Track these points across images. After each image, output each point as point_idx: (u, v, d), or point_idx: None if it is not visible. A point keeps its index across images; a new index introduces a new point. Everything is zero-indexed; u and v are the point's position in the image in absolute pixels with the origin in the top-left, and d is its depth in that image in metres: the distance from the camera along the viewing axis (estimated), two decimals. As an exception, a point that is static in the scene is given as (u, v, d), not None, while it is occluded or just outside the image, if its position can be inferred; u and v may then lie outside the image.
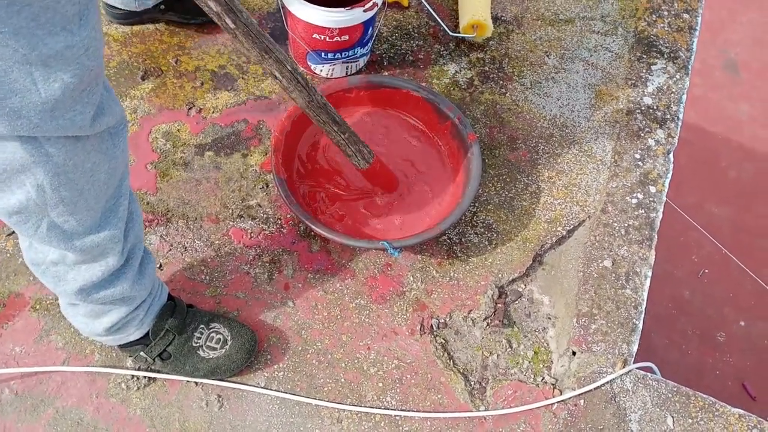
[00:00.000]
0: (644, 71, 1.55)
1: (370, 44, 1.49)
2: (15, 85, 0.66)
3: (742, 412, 1.18)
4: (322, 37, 1.39)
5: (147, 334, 1.10)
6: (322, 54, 1.44)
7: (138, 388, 1.15)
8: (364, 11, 1.35)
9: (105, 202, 0.89)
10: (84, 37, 0.68)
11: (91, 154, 0.80)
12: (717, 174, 2.61)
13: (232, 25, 1.00)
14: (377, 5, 1.38)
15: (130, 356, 1.15)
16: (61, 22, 0.65)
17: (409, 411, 1.17)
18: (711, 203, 2.51)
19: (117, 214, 0.91)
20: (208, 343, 1.14)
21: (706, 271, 2.32)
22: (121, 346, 1.12)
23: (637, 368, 1.21)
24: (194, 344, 1.13)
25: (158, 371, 1.16)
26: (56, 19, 0.64)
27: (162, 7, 1.47)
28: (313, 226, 1.21)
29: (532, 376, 1.21)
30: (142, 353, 1.11)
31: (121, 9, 1.47)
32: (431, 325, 1.25)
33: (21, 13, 0.61)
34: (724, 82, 2.85)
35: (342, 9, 1.34)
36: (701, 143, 2.66)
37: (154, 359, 1.12)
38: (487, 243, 1.34)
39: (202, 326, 1.14)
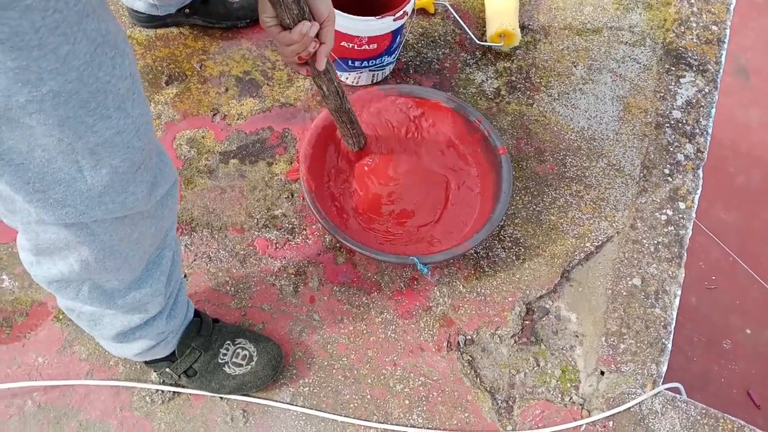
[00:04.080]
0: (673, 84, 1.54)
1: (397, 52, 1.46)
2: (59, 174, 0.61)
3: (771, 435, 1.17)
4: (351, 45, 1.36)
5: (173, 351, 1.08)
6: (349, 62, 1.41)
7: (162, 402, 1.14)
8: (394, 20, 1.33)
9: (148, 257, 0.86)
10: (137, 116, 0.62)
11: (139, 224, 0.76)
12: (725, 179, 2.60)
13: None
14: (407, 14, 1.35)
15: (155, 371, 1.13)
16: (114, 102, 0.59)
17: (435, 429, 1.16)
18: (719, 209, 2.51)
19: (160, 267, 0.89)
20: (234, 360, 1.12)
21: (714, 277, 2.32)
22: (146, 362, 1.10)
23: (665, 389, 1.20)
24: (220, 361, 1.11)
25: (183, 386, 1.14)
26: (108, 101, 0.58)
27: (186, 11, 1.44)
28: (343, 241, 1.19)
29: (560, 395, 1.20)
30: (167, 369, 1.10)
31: (144, 13, 1.44)
32: (458, 342, 1.24)
33: (69, 102, 0.55)
34: (735, 88, 2.83)
35: (372, 17, 1.31)
36: (710, 148, 2.65)
37: (179, 376, 1.10)
38: (514, 258, 1.32)
39: (228, 342, 1.12)
